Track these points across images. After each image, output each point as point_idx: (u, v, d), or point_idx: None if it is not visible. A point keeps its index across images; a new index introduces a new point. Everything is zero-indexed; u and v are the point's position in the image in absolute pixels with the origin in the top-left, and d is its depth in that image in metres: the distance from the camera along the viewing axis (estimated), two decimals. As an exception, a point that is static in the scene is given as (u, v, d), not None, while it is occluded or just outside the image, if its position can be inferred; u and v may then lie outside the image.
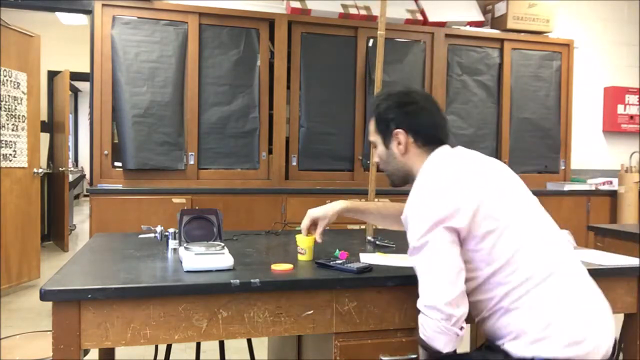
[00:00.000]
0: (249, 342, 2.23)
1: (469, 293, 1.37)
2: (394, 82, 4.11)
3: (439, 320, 1.29)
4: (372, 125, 1.58)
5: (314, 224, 1.74)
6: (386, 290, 1.38)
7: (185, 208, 3.36)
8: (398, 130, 1.49)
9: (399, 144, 1.49)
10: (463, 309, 1.31)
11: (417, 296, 1.35)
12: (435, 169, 1.43)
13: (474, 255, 1.33)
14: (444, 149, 1.49)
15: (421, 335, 1.34)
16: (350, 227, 3.12)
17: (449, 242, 1.32)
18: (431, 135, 1.49)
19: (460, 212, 1.31)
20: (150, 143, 3.69)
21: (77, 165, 10.52)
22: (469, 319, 1.37)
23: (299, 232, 1.75)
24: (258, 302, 1.40)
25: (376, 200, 2.06)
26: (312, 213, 1.75)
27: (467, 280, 1.34)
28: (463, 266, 1.33)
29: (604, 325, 1.33)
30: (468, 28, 4.41)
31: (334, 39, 4.08)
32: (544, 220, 1.42)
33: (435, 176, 1.40)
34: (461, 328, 1.31)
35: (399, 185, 1.58)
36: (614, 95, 5.13)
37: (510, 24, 4.46)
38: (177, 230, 1.78)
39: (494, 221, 1.32)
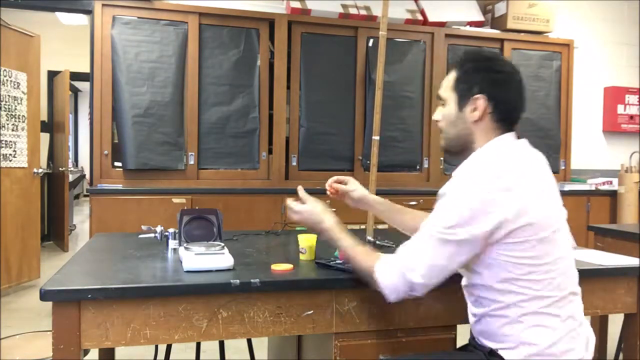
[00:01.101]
0: (249, 342, 2.23)
1: (473, 287, 1.35)
2: (393, 82, 4.11)
3: (404, 288, 1.31)
4: (450, 81, 1.42)
5: (342, 183, 1.78)
6: (386, 290, 1.38)
7: (185, 208, 3.36)
8: (480, 95, 1.35)
9: (475, 109, 1.36)
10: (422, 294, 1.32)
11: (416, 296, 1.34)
12: (495, 165, 1.30)
13: (493, 256, 1.27)
14: (510, 140, 1.37)
15: (377, 274, 1.34)
16: (350, 227, 3.11)
17: (468, 247, 1.26)
18: (510, 112, 1.37)
19: (502, 225, 1.24)
20: (150, 143, 3.68)
21: (77, 165, 10.52)
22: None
23: (299, 232, 1.75)
24: (258, 302, 1.41)
25: None
26: (351, 179, 1.78)
27: (475, 276, 1.32)
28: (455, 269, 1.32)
29: (592, 344, 1.35)
30: (468, 28, 4.41)
31: (334, 39, 4.08)
32: (569, 235, 1.37)
33: (492, 174, 1.28)
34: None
35: (452, 152, 1.45)
36: (614, 95, 5.12)
37: (510, 24, 4.46)
38: (177, 230, 1.78)
39: (533, 233, 1.24)
